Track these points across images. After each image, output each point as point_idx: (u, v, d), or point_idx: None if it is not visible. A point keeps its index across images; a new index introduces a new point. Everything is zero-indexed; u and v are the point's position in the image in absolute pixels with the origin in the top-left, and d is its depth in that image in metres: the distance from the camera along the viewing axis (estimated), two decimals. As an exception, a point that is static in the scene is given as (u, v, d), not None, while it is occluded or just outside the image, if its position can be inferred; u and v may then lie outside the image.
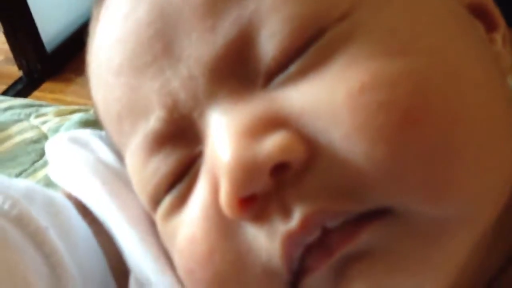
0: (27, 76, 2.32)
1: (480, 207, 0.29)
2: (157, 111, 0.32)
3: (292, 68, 0.30)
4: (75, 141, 0.42)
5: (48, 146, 0.44)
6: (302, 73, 0.29)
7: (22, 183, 0.38)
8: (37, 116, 1.01)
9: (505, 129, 0.30)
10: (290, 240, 0.28)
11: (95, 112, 0.38)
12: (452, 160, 0.27)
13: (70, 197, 0.39)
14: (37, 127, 0.98)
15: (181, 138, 0.32)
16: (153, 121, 0.32)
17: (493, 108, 0.30)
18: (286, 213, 0.28)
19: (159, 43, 0.31)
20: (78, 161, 0.40)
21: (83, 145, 0.42)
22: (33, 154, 0.89)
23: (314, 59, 0.29)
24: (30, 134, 0.96)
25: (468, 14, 0.35)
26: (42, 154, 0.89)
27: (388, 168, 0.27)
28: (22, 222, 0.34)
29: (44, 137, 0.92)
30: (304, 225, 0.28)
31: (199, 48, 0.30)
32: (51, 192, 0.39)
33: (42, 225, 0.35)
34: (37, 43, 2.27)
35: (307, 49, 0.29)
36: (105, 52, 0.34)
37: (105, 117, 0.36)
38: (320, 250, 0.28)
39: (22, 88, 2.26)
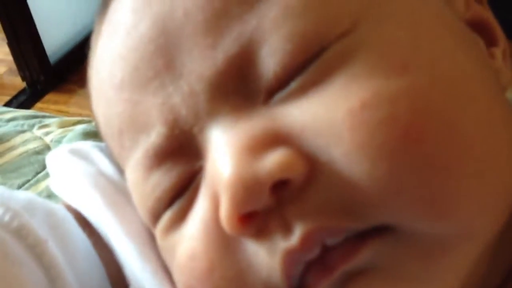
0: (31, 87, 2.33)
1: (481, 223, 0.29)
2: (158, 127, 0.32)
3: (293, 85, 0.30)
4: (76, 153, 0.42)
5: (49, 158, 0.44)
6: (303, 90, 0.29)
7: (23, 195, 0.38)
8: (40, 127, 1.02)
9: (505, 144, 0.30)
10: (290, 257, 0.28)
11: (96, 126, 0.38)
12: (452, 177, 0.27)
13: (71, 209, 0.39)
14: (40, 138, 0.99)
15: (181, 153, 0.32)
16: (154, 136, 0.32)
17: (493, 124, 0.30)
18: (287, 230, 0.28)
19: (161, 59, 0.31)
20: (78, 173, 0.40)
21: (84, 157, 0.42)
22: (36, 165, 0.89)
23: (315, 76, 0.29)
24: (33, 145, 0.96)
25: (468, 29, 0.35)
26: (44, 165, 0.89)
27: (388, 185, 0.27)
28: (21, 234, 0.34)
29: (47, 148, 0.92)
30: (305, 242, 0.28)
31: (201, 64, 0.31)
32: (51, 204, 0.39)
33: (42, 237, 0.35)
34: (40, 54, 2.29)
35: (308, 66, 0.29)
36: (107, 67, 0.34)
37: (106, 132, 0.36)
38: (320, 267, 0.28)
39: (25, 100, 2.27)
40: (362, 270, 0.28)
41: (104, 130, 0.36)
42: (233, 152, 0.28)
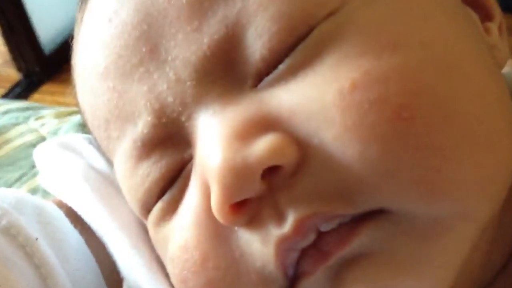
0: (26, 78, 2.32)
1: (477, 204, 0.28)
2: (145, 116, 0.31)
3: (282, 68, 0.29)
4: (65, 146, 0.42)
5: (37, 152, 0.43)
6: (292, 73, 0.29)
7: (12, 193, 0.37)
8: (36, 119, 1.01)
9: (500, 123, 0.29)
10: (284, 245, 0.27)
11: (82, 118, 0.37)
12: (445, 157, 0.27)
13: (62, 205, 0.38)
14: (36, 130, 0.98)
15: (170, 142, 0.31)
16: (141, 126, 0.31)
17: (487, 103, 0.29)
18: (279, 217, 0.27)
19: (145, 45, 0.31)
20: (68, 167, 0.40)
21: (73, 150, 0.41)
22: (32, 158, 0.88)
23: (303, 57, 0.28)
24: (29, 138, 0.96)
25: (462, 4, 0.34)
26: (41, 157, 0.88)
27: (381, 168, 0.26)
28: (11, 232, 0.33)
29: (43, 140, 0.91)
30: (298, 229, 0.27)
31: (186, 49, 0.30)
32: (41, 201, 0.38)
33: (32, 236, 0.34)
34: (35, 45, 2.27)
35: (296, 47, 0.29)
36: (90, 56, 0.33)
37: (93, 123, 0.35)
38: (315, 254, 0.28)
39: (21, 91, 2.26)
40: (358, 256, 0.28)
41: (90, 121, 0.35)
42: (221, 139, 0.28)
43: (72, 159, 0.40)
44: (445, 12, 0.31)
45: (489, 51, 0.33)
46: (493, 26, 0.35)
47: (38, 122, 0.97)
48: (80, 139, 0.43)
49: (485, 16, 0.36)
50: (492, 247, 0.32)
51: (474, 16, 0.34)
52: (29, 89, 2.27)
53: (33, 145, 0.94)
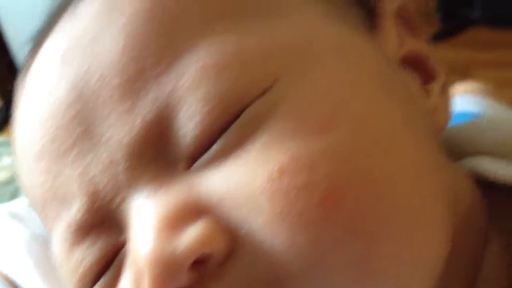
0: (6, 103, 2.29)
1: (412, 280, 0.28)
2: (78, 200, 0.30)
3: (215, 148, 0.28)
4: (13, 215, 0.41)
5: None
6: (224, 154, 0.28)
7: None
8: (9, 155, 1.00)
9: (435, 197, 0.29)
10: None
11: (22, 190, 0.37)
12: (375, 240, 0.26)
13: (7, 280, 0.37)
14: (9, 167, 0.97)
15: (105, 226, 0.30)
16: (75, 210, 0.30)
17: (419, 179, 0.29)
18: None
19: (79, 126, 0.30)
20: (13, 239, 0.39)
21: (21, 219, 0.41)
22: (6, 196, 0.88)
23: (236, 138, 0.28)
24: (1, 176, 0.95)
25: (398, 69, 0.34)
26: (14, 195, 0.88)
27: (310, 255, 0.26)
28: None
29: (17, 177, 0.90)
30: None
31: (119, 130, 0.29)
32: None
33: None
34: (14, 71, 2.25)
35: (228, 128, 0.28)
36: (26, 134, 0.33)
37: (31, 200, 0.34)
38: None
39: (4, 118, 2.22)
40: None
41: (29, 198, 0.35)
42: (151, 228, 0.27)
43: (18, 230, 0.39)
44: (380, 83, 0.31)
45: (426, 117, 0.33)
46: (435, 86, 0.35)
47: (11, 159, 0.96)
48: (27, 206, 0.42)
49: (428, 77, 0.35)
50: None
51: (412, 80, 0.34)
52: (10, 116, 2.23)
53: (5, 183, 0.94)
